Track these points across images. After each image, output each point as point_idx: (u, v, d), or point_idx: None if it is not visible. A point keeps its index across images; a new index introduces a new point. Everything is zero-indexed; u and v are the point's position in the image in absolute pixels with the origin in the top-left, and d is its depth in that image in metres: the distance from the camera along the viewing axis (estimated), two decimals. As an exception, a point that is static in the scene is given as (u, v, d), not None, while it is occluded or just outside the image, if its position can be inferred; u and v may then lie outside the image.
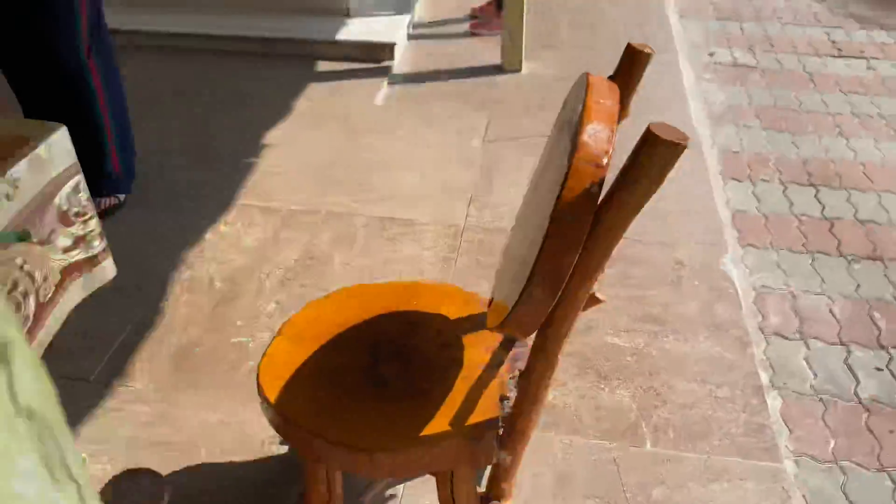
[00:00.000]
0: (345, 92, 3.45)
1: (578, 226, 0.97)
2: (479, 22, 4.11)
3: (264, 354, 1.38)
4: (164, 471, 1.74)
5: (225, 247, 2.49)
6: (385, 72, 3.61)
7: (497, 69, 3.68)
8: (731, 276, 2.42)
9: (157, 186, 2.77)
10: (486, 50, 3.85)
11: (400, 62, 3.72)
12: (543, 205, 1.08)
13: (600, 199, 0.99)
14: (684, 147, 0.92)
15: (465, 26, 4.14)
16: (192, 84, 3.49)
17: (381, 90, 3.47)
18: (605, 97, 1.04)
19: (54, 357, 1.96)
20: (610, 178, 0.97)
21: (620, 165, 0.96)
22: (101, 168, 2.56)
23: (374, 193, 2.75)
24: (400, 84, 3.54)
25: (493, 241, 2.50)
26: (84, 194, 1.47)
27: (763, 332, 2.30)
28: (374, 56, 3.68)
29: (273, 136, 3.10)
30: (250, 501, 1.67)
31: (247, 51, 3.75)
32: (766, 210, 2.83)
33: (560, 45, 3.97)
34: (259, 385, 1.32)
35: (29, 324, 1.35)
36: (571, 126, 1.07)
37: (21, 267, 1.32)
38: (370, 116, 3.26)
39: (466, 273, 2.37)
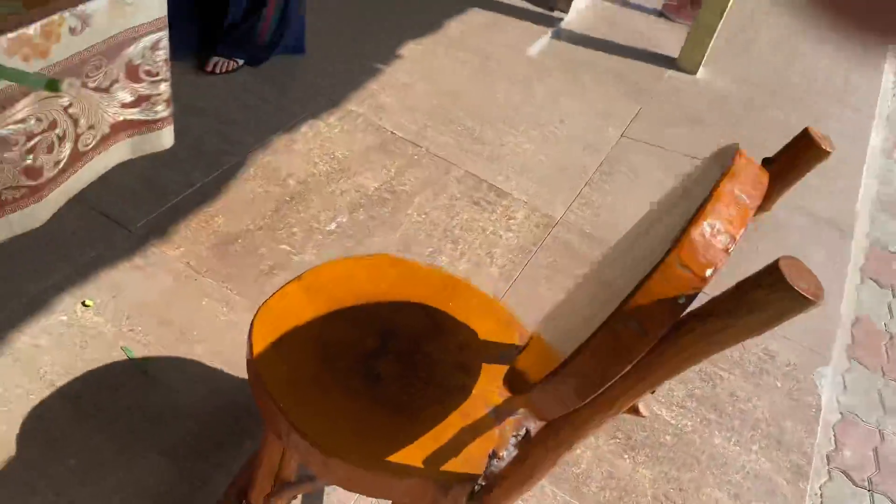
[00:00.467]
0: (501, 29, 3.20)
1: (642, 339, 0.75)
2: (674, 4, 3.72)
3: (271, 296, 1.24)
4: (152, 350, 1.68)
5: (315, 146, 2.36)
6: (553, 23, 3.31)
7: (671, 62, 3.32)
8: (820, 389, 2.11)
9: (280, 60, 2.65)
10: (669, 37, 3.48)
11: (573, 18, 3.40)
12: (625, 278, 0.86)
13: (685, 312, 0.76)
14: (815, 304, 0.68)
15: (659, 3, 3.75)
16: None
17: (540, 41, 3.19)
18: (745, 189, 0.80)
19: (106, 195, 1.91)
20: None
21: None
22: (247, 33, 2.46)
23: (484, 148, 2.54)
24: (562, 41, 3.25)
25: (582, 248, 2.27)
26: (162, 53, 1.34)
27: (828, 465, 2.00)
28: (547, 2, 3.39)
29: (410, 49, 2.91)
30: (212, 422, 1.59)
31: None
32: (896, 330, 2.45)
33: (749, 63, 3.53)
34: (251, 328, 1.19)
35: (58, 168, 1.26)
36: (691, 205, 0.83)
37: (66, 108, 1.22)
38: (516, 64, 3.01)
39: (538, 273, 2.16)
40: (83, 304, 1.73)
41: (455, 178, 2.40)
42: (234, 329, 1.77)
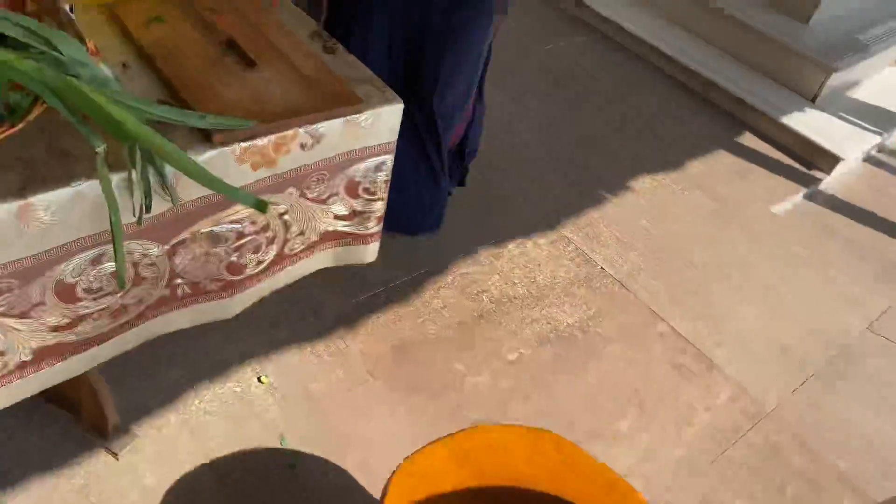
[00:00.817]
0: (748, 178, 2.95)
1: None
2: (964, 183, 3.21)
3: (418, 451, 1.15)
4: (307, 445, 1.66)
5: (518, 266, 2.29)
6: (809, 181, 3.00)
7: (947, 251, 2.83)
8: None
9: (503, 166, 2.64)
10: (950, 221, 2.99)
11: (834, 179, 3.05)
12: None
13: None
14: None
15: (945, 178, 3.26)
16: (603, 82, 3.27)
17: (790, 198, 2.90)
18: None
19: (308, 277, 1.97)
20: None
21: None
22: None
23: (699, 306, 2.31)
24: (816, 203, 2.92)
25: (793, 458, 1.93)
26: (384, 175, 1.34)
27: None
28: (808, 158, 3.08)
29: (642, 183, 2.76)
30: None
31: (680, 80, 3.40)
32: None
33: None
34: (388, 484, 1.10)
35: (260, 268, 1.29)
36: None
37: (281, 215, 1.25)
38: (757, 220, 2.74)
39: (731, 473, 1.86)
40: (258, 379, 1.77)
41: (659, 334, 2.19)
42: (389, 446, 1.71)
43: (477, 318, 2.09)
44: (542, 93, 3.11)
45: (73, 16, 1.02)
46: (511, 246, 2.35)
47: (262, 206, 0.99)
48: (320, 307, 1.99)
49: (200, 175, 0.95)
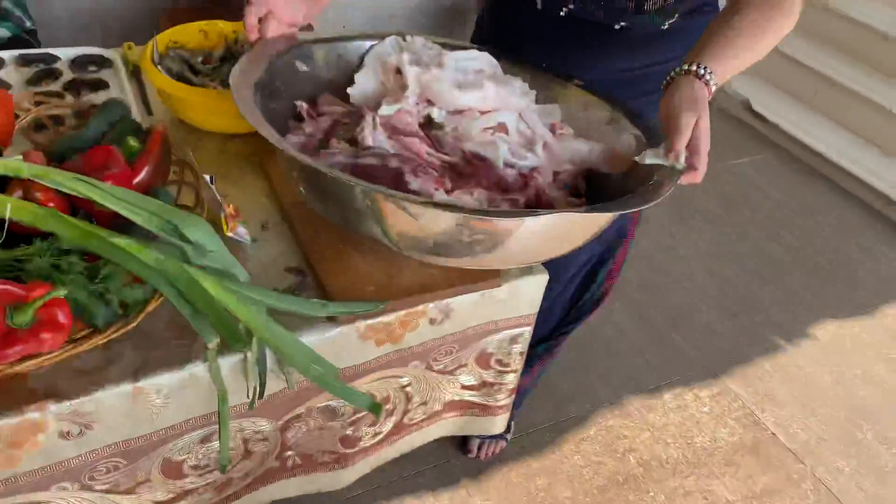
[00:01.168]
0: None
1: None
2: None
3: None
4: None
5: (673, 422, 2.04)
6: None
7: None
8: None
9: (661, 298, 2.43)
10: None
11: None
12: None
13: None
14: None
15: None
16: (782, 207, 2.97)
17: None
18: None
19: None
20: None
21: None
22: None
23: (891, 493, 1.93)
24: None
25: None
26: (519, 347, 1.22)
27: None
28: None
29: (825, 329, 2.42)
30: None
31: (876, 208, 3.02)
32: None
33: None
34: None
35: (376, 440, 1.19)
36: None
37: (403, 387, 1.16)
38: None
39: None
40: (378, 530, 1.66)
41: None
42: None
43: (621, 483, 1.86)
44: (711, 214, 2.88)
45: (213, 186, 1.01)
46: (667, 397, 2.11)
47: (376, 410, 0.90)
48: (448, 451, 1.86)
49: (316, 377, 0.88)
